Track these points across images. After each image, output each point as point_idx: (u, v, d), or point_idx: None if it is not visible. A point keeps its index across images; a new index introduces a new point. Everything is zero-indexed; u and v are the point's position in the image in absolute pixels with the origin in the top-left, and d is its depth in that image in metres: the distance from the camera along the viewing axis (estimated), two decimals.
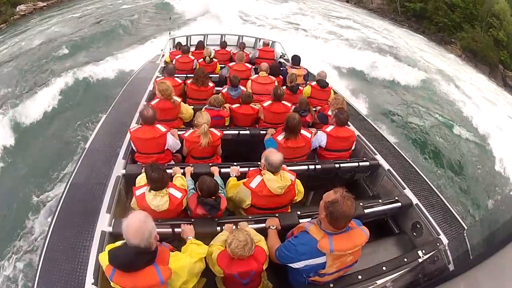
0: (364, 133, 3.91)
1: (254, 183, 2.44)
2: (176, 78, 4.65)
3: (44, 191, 5.08)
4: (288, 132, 3.13)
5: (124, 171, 2.90)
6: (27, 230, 3.99)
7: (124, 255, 1.60)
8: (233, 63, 5.63)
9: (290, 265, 1.96)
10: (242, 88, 4.50)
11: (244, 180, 2.53)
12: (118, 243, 1.75)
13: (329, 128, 3.37)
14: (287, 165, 2.79)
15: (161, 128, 3.09)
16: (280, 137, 3.18)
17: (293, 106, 4.10)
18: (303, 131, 3.26)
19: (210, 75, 4.92)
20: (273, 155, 2.42)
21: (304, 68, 5.70)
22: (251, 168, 2.84)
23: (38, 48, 12.40)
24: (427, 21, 23.98)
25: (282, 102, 3.96)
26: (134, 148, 3.16)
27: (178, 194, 2.35)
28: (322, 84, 4.66)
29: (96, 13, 18.48)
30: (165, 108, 3.66)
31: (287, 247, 1.96)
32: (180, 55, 6.07)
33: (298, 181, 2.63)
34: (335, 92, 4.96)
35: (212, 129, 3.19)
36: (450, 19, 22.43)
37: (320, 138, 3.42)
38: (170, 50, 7.37)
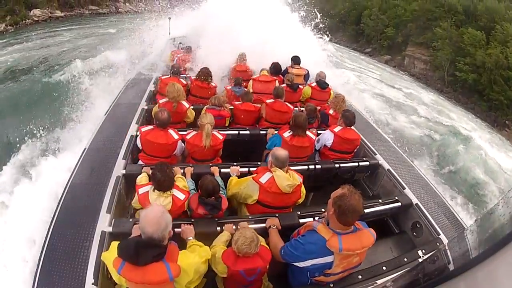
0: (364, 133, 3.91)
1: (264, 179, 2.45)
2: (181, 79, 4.64)
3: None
4: (295, 129, 3.15)
5: (124, 171, 2.90)
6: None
7: (135, 247, 1.60)
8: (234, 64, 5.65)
9: (296, 264, 1.96)
10: (244, 89, 4.52)
11: (254, 175, 2.53)
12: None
13: (337, 129, 3.38)
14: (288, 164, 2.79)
15: (174, 134, 3.07)
16: (286, 134, 3.19)
17: (295, 108, 4.12)
18: (308, 132, 3.27)
19: None
20: (279, 150, 2.51)
21: (304, 68, 5.70)
22: (251, 169, 2.85)
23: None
24: (478, 95, 19.72)
25: (285, 103, 3.98)
26: (139, 147, 3.15)
27: (181, 196, 2.35)
28: (322, 85, 4.67)
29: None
30: (174, 111, 3.61)
31: (294, 245, 1.96)
32: (181, 54, 6.12)
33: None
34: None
35: (215, 132, 3.17)
36: (505, 96, 18.10)
37: (327, 137, 3.42)
38: (170, 49, 7.38)
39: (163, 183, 2.27)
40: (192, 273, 1.76)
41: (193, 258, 1.81)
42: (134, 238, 1.71)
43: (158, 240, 1.63)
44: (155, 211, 1.69)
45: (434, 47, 23.64)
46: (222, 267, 1.94)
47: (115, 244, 1.73)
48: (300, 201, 2.67)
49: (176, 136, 3.07)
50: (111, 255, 1.70)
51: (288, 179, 2.42)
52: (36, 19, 18.77)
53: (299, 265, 1.94)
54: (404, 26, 27.20)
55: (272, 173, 2.44)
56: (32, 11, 18.64)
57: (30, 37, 15.61)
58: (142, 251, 1.59)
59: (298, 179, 2.51)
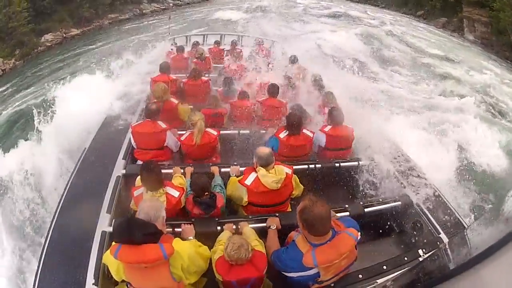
0: (364, 132, 3.90)
1: (249, 180, 2.45)
2: (171, 75, 4.70)
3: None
4: (290, 129, 3.17)
5: (124, 171, 2.90)
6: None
7: (128, 223, 1.67)
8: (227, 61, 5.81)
9: (284, 273, 1.94)
10: (237, 87, 4.57)
11: (240, 178, 2.54)
12: None
13: (327, 128, 3.39)
14: (288, 164, 2.79)
15: (162, 124, 3.11)
16: (282, 135, 3.21)
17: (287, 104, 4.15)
18: (305, 131, 3.28)
19: (204, 73, 5.09)
20: (260, 149, 2.52)
21: (302, 68, 5.72)
22: None
23: None
24: None
25: (277, 99, 4.05)
26: (133, 145, 3.16)
27: (175, 193, 2.35)
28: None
29: None
30: (162, 109, 3.65)
31: (278, 258, 1.95)
32: (175, 54, 6.18)
33: (295, 176, 2.65)
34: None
35: (208, 129, 3.18)
36: None
37: (319, 138, 3.43)
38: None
39: (148, 180, 2.27)
40: (186, 257, 1.78)
41: (187, 245, 1.87)
42: (125, 216, 1.81)
43: (152, 218, 1.76)
44: (152, 199, 2.07)
45: (492, 8, 19.20)
46: (216, 273, 1.92)
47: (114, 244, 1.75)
48: (296, 193, 2.67)
49: (163, 125, 3.12)
50: (109, 254, 1.73)
51: (273, 176, 2.42)
52: (49, 44, 16.40)
53: (287, 275, 1.92)
54: None
55: (256, 173, 2.45)
56: (43, 37, 16.33)
57: (39, 74, 13.07)
58: (135, 227, 1.65)
59: (285, 171, 2.50)
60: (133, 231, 1.63)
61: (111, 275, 2.11)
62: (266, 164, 2.45)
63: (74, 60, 14.25)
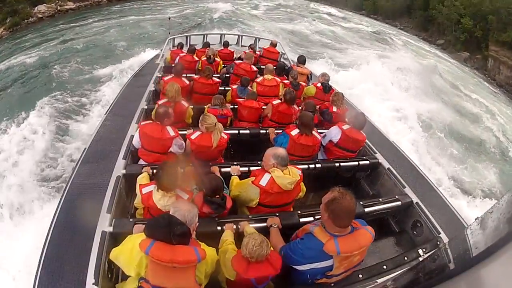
0: (364, 131, 3.91)
1: (264, 181, 2.42)
2: (184, 79, 4.63)
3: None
4: (303, 128, 3.17)
5: (124, 171, 2.90)
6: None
7: (171, 224, 1.69)
8: (240, 61, 5.69)
9: (295, 267, 1.94)
10: (250, 88, 4.58)
11: (252, 179, 2.50)
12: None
13: (346, 127, 3.37)
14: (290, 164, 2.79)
15: (171, 131, 3.07)
16: (294, 132, 3.20)
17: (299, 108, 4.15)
18: (314, 132, 3.28)
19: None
20: (279, 150, 2.50)
21: (308, 69, 5.74)
22: (251, 168, 2.85)
23: None
24: None
25: (292, 106, 3.99)
26: (137, 144, 3.16)
27: (185, 196, 2.35)
28: (326, 89, 4.68)
29: None
30: (173, 111, 3.64)
31: (293, 249, 1.95)
32: (184, 53, 6.13)
33: None
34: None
35: None
36: None
37: (334, 133, 3.40)
38: (170, 49, 7.40)
39: (165, 180, 2.26)
40: (209, 262, 1.82)
41: (210, 249, 1.89)
42: (164, 215, 1.83)
43: (188, 221, 1.78)
44: (188, 203, 2.06)
45: None
46: (231, 271, 1.90)
47: (131, 238, 1.80)
48: (301, 194, 2.67)
49: (172, 133, 3.07)
50: (125, 248, 1.76)
51: (288, 177, 2.41)
52: (41, 15, 15.44)
53: (298, 268, 1.93)
54: (482, 18, 21.21)
55: (270, 173, 2.43)
56: (36, 8, 15.46)
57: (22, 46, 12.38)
58: (174, 226, 1.67)
59: (298, 173, 2.51)
60: (172, 230, 1.65)
61: (111, 275, 2.12)
62: (285, 164, 2.45)
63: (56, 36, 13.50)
